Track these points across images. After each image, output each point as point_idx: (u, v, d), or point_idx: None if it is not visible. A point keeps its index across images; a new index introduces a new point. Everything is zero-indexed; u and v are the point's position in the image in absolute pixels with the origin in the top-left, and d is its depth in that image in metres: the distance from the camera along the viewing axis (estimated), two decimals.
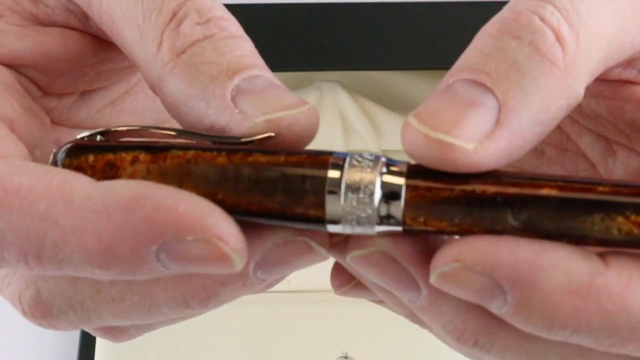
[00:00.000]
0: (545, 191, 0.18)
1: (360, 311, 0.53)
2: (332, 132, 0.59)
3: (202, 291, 0.20)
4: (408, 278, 0.20)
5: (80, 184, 0.19)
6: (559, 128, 0.28)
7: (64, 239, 0.18)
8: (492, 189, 0.18)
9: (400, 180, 0.19)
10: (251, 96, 0.20)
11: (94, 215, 0.18)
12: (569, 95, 0.19)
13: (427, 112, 0.19)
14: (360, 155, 0.19)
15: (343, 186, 0.19)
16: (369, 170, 0.19)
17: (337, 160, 0.19)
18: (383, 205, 0.19)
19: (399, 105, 0.61)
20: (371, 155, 0.19)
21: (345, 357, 0.52)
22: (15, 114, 0.22)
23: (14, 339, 0.57)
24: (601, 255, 0.19)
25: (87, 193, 0.18)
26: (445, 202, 0.19)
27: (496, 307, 0.19)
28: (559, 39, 0.19)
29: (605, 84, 0.24)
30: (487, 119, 0.18)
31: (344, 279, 0.24)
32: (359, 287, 0.24)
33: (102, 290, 0.21)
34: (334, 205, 0.19)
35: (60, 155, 0.21)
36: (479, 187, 0.18)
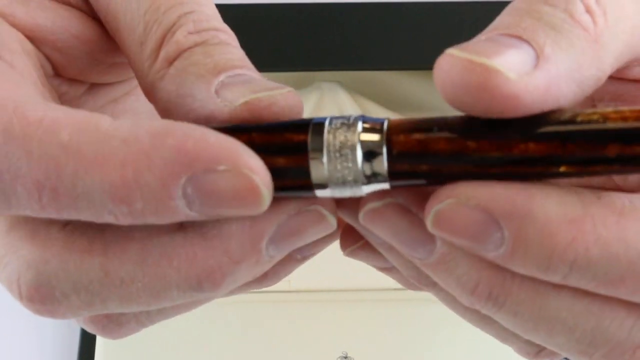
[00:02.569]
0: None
1: (360, 311, 0.53)
2: None
3: (217, 270, 0.20)
4: (422, 231, 0.20)
5: (105, 118, 0.18)
6: None
7: (86, 168, 0.18)
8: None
9: (378, 137, 0.19)
10: (234, 86, 0.20)
11: (121, 143, 0.18)
12: (598, 65, 0.19)
13: (469, 45, 0.18)
14: (339, 118, 0.20)
15: (325, 150, 0.19)
16: (348, 131, 0.19)
17: (316, 125, 0.19)
18: (366, 164, 0.19)
19: (399, 105, 0.61)
20: (350, 116, 0.20)
21: (345, 357, 0.52)
22: (35, 80, 0.22)
23: (14, 339, 0.57)
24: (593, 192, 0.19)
25: (115, 125, 0.18)
26: (426, 147, 0.19)
27: (494, 249, 0.19)
28: (588, 10, 0.19)
29: (624, 86, 0.24)
30: (527, 59, 0.18)
31: (352, 238, 0.24)
32: (366, 248, 0.24)
33: (110, 272, 0.20)
34: (318, 170, 0.19)
35: None
36: (458, 135, 0.18)
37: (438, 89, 0.19)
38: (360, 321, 0.53)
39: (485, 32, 0.19)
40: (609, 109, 0.18)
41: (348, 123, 0.19)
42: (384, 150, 0.19)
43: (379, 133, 0.19)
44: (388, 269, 0.25)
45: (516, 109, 0.18)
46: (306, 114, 0.69)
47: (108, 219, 0.18)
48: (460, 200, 0.19)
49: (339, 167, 0.19)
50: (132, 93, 0.28)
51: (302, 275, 0.55)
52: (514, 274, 0.20)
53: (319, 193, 0.19)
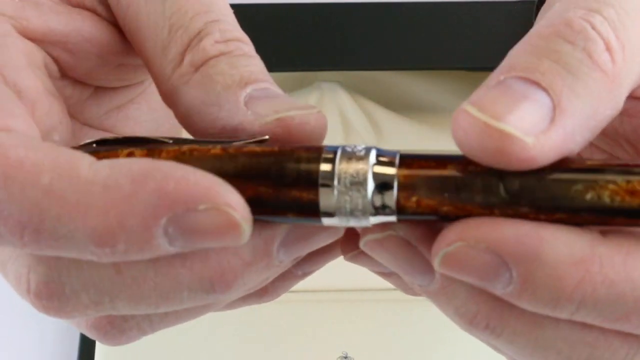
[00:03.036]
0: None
1: (360, 311, 0.53)
2: (332, 132, 0.59)
3: (229, 271, 0.20)
4: (422, 262, 0.21)
5: (85, 159, 0.19)
6: None
7: (68, 214, 0.18)
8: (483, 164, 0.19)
9: (391, 170, 0.19)
10: (263, 100, 0.21)
11: (102, 189, 0.18)
12: (613, 105, 0.20)
13: (485, 101, 0.18)
14: (351, 147, 0.20)
15: (336, 179, 0.19)
16: (360, 162, 0.19)
17: (328, 153, 0.19)
18: (376, 195, 0.19)
19: (399, 105, 0.61)
20: (362, 146, 0.20)
21: (345, 357, 0.52)
22: (38, 94, 0.22)
23: (14, 340, 0.57)
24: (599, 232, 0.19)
25: (94, 168, 0.18)
26: (437, 179, 0.19)
27: (502, 287, 0.19)
28: (608, 48, 0.19)
29: (632, 102, 0.24)
30: (543, 115, 0.18)
31: (353, 244, 0.24)
32: (367, 254, 0.24)
33: (122, 270, 0.20)
34: (327, 198, 0.19)
35: None
36: (470, 165, 0.19)
37: (455, 143, 0.19)
38: (360, 321, 0.53)
39: (503, 71, 0.19)
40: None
41: (361, 154, 0.19)
42: (395, 184, 0.19)
43: (391, 166, 0.19)
44: (388, 274, 0.25)
45: (531, 167, 0.18)
46: None
47: (90, 257, 0.19)
48: (470, 244, 0.19)
49: (348, 197, 0.19)
50: (136, 101, 0.28)
51: None
52: (511, 307, 0.20)
53: (326, 221, 0.19)
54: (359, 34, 0.54)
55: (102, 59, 0.25)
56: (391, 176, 0.19)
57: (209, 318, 0.54)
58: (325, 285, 0.54)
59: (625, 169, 0.18)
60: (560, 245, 0.18)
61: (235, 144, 0.20)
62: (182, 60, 0.22)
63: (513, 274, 0.18)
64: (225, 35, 0.22)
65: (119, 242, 0.18)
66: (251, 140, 0.20)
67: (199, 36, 0.22)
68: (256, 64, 0.22)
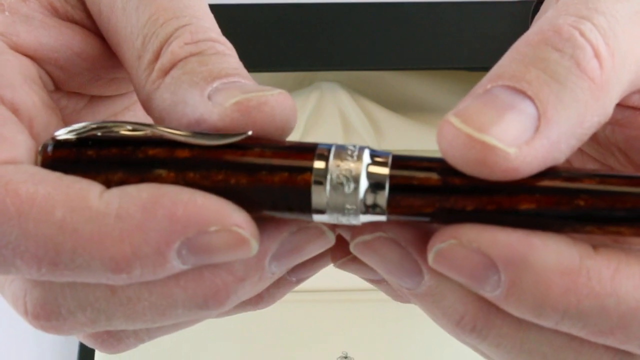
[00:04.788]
0: (524, 205, 0.19)
1: (360, 311, 0.53)
2: (332, 132, 0.59)
3: (222, 289, 0.20)
4: (411, 264, 0.21)
5: (94, 190, 0.19)
6: None
7: (83, 246, 0.18)
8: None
9: (384, 170, 0.19)
10: (226, 90, 0.20)
11: (115, 220, 0.18)
12: (601, 112, 0.20)
13: (469, 112, 0.19)
14: (345, 146, 0.20)
15: (329, 177, 0.19)
16: (354, 161, 0.19)
17: (322, 151, 0.19)
18: (368, 194, 0.19)
19: (399, 105, 0.61)
20: (355, 146, 0.20)
21: (345, 357, 0.52)
22: (36, 110, 0.22)
23: (14, 340, 0.57)
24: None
25: (105, 199, 0.19)
26: (426, 189, 0.19)
27: (490, 290, 0.19)
28: (597, 55, 0.19)
29: (624, 111, 0.24)
30: (528, 125, 0.19)
31: (342, 251, 0.24)
32: (356, 260, 0.24)
33: (117, 290, 0.20)
34: (319, 196, 0.19)
35: (49, 147, 0.21)
36: (457, 178, 0.19)
37: (441, 154, 0.19)
38: (360, 321, 0.53)
39: (490, 79, 0.19)
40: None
41: (354, 153, 0.19)
42: (387, 185, 0.19)
43: (384, 166, 0.19)
44: (378, 282, 0.26)
45: (515, 177, 0.18)
46: (306, 114, 0.69)
47: (107, 282, 0.19)
48: (462, 242, 0.19)
49: (340, 195, 0.19)
50: (131, 108, 0.28)
51: None
52: (498, 309, 0.20)
53: (316, 218, 0.20)
54: (359, 34, 0.54)
55: (93, 73, 0.25)
56: (384, 176, 0.19)
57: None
58: (325, 285, 0.54)
59: (610, 209, 0.19)
60: (550, 254, 0.18)
61: (215, 142, 0.20)
62: (153, 67, 0.22)
63: (501, 278, 0.19)
64: (197, 36, 0.22)
65: (135, 268, 0.19)
66: (233, 140, 0.20)
67: (168, 41, 0.22)
68: (229, 61, 0.22)
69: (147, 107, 0.22)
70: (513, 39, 0.20)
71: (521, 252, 0.18)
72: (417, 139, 0.58)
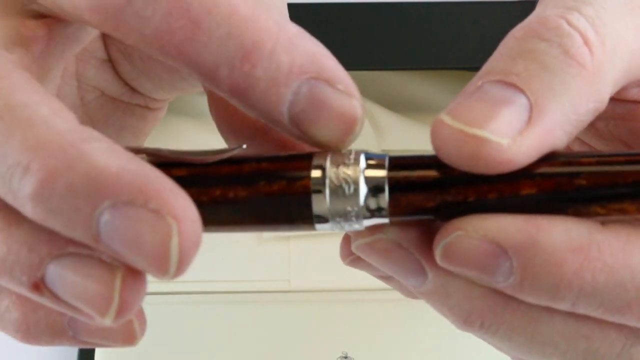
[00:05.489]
0: (525, 190, 0.19)
1: (360, 311, 0.53)
2: None
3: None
4: (414, 263, 0.21)
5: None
6: (566, 147, 0.28)
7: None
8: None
9: (382, 173, 0.19)
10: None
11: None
12: (596, 98, 0.20)
13: (460, 109, 0.19)
14: (340, 152, 0.20)
15: (327, 184, 0.19)
16: (350, 166, 0.19)
17: (318, 158, 0.19)
18: (369, 199, 0.19)
19: (399, 105, 0.61)
20: (350, 151, 0.20)
21: (345, 357, 0.52)
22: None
23: (14, 340, 0.57)
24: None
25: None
26: (426, 185, 0.19)
27: (503, 279, 0.19)
28: (586, 42, 0.19)
29: (624, 106, 0.24)
30: (520, 116, 0.19)
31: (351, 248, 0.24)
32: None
33: None
34: (320, 205, 0.19)
35: None
36: (456, 170, 0.19)
37: (436, 153, 0.19)
38: (360, 321, 0.53)
39: (480, 76, 0.20)
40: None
41: (350, 158, 0.20)
42: (386, 186, 0.19)
43: (382, 169, 0.19)
44: (388, 278, 0.25)
45: (511, 168, 0.19)
46: None
47: (222, 71, 0.18)
48: (468, 233, 0.19)
49: (340, 202, 0.19)
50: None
51: (302, 275, 0.55)
52: (505, 304, 0.20)
53: (319, 227, 0.20)
54: (358, 34, 0.54)
55: (112, 103, 0.25)
56: (382, 179, 0.19)
57: (209, 317, 0.54)
58: (325, 285, 0.54)
59: (613, 185, 0.19)
60: (558, 233, 0.18)
61: (210, 157, 0.20)
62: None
63: (513, 264, 0.19)
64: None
65: (261, 66, 0.18)
66: (228, 150, 0.20)
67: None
68: None
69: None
70: None
71: (529, 234, 0.18)
72: (417, 139, 0.58)
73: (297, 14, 0.55)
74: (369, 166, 0.19)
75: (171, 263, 0.16)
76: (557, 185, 0.19)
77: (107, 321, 0.17)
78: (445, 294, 0.21)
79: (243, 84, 0.18)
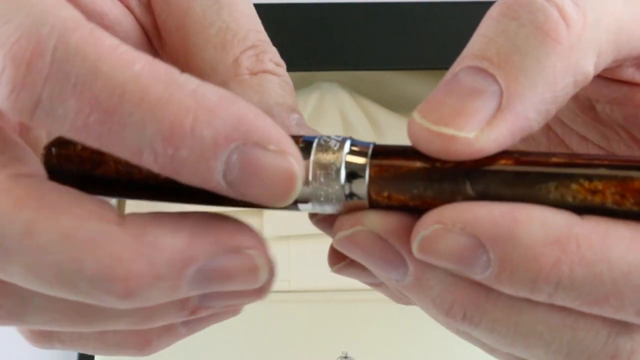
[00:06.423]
0: (502, 162, 0.19)
1: (360, 311, 0.53)
2: (332, 132, 0.59)
3: (135, 277, 0.18)
4: (394, 255, 0.21)
5: (176, 69, 0.19)
6: (564, 146, 0.28)
7: (150, 101, 0.18)
8: (450, 162, 0.19)
9: (363, 160, 0.20)
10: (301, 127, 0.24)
11: (191, 92, 0.18)
12: (575, 72, 0.19)
13: (429, 107, 0.19)
14: (328, 137, 0.20)
15: (311, 166, 0.20)
16: (335, 151, 0.20)
17: (305, 143, 0.20)
18: (349, 183, 0.20)
19: (399, 105, 0.61)
20: (338, 137, 0.21)
21: (345, 357, 0.52)
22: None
23: (14, 339, 0.57)
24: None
25: (185, 75, 0.19)
26: (406, 177, 0.20)
27: (481, 271, 0.19)
28: (563, 16, 0.19)
29: (621, 88, 0.24)
30: (489, 105, 0.19)
31: (339, 255, 0.24)
32: (354, 264, 0.24)
33: (34, 231, 0.18)
34: (303, 186, 0.20)
35: (52, 148, 0.21)
36: (438, 162, 0.19)
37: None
38: (360, 321, 0.53)
39: (458, 62, 0.20)
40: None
41: (336, 143, 0.20)
42: (366, 173, 0.20)
43: (363, 156, 0.20)
44: (377, 285, 0.25)
45: (482, 156, 0.19)
46: (306, 114, 0.69)
47: (146, 157, 0.18)
48: (446, 226, 0.19)
49: (322, 185, 0.20)
50: None
51: (302, 275, 0.55)
52: (488, 294, 0.20)
53: (302, 207, 0.20)
54: (359, 34, 0.54)
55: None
56: (362, 165, 0.20)
57: None
58: (325, 285, 0.54)
59: (588, 164, 0.19)
60: (536, 225, 0.18)
61: None
62: (237, 61, 0.23)
63: (490, 256, 0.19)
64: (276, 58, 0.24)
65: (186, 147, 0.18)
66: None
67: (255, 48, 0.24)
68: (293, 93, 0.24)
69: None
70: None
71: (507, 227, 0.18)
72: None
73: (297, 14, 0.55)
74: (352, 152, 0.20)
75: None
76: (535, 159, 0.19)
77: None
78: (427, 286, 0.21)
79: (171, 166, 0.18)
